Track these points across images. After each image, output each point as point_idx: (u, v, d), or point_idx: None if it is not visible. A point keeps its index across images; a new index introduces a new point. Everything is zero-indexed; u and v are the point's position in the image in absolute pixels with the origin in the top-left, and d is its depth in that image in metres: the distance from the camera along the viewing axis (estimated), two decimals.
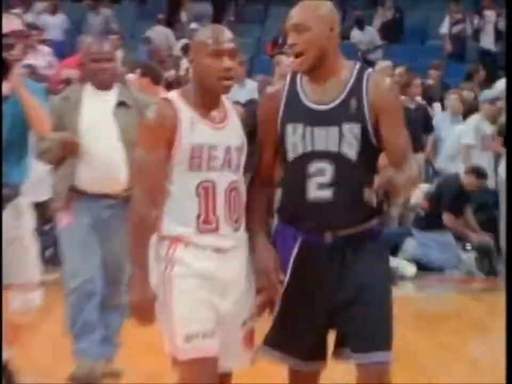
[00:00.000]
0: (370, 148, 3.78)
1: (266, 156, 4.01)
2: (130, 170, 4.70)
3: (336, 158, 3.74)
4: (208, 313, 3.85)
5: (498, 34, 21.86)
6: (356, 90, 3.80)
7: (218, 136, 3.90)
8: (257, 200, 4.02)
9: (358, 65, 3.90)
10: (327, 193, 3.75)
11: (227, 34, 3.94)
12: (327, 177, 3.74)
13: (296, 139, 3.80)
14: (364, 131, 3.74)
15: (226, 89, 3.91)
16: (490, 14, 22.26)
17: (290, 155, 3.82)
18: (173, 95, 3.97)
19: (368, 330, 3.74)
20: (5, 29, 6.12)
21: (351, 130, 3.73)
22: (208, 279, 3.80)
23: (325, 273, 3.76)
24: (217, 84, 3.81)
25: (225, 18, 23.16)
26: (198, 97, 3.89)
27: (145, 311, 3.84)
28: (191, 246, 3.84)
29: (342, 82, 3.83)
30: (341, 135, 3.72)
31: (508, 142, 11.61)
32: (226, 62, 3.81)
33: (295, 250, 3.80)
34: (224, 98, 4.02)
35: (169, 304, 3.84)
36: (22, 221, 6.12)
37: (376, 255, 3.89)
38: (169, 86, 14.10)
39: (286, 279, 3.82)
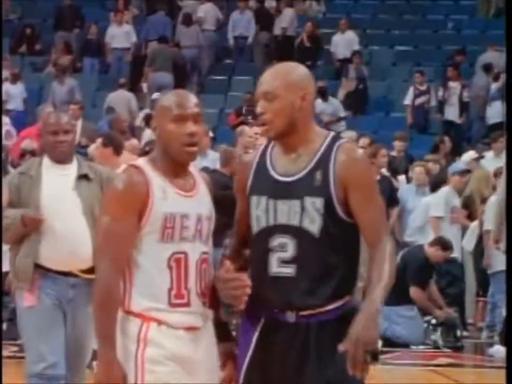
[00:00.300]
0: (337, 223, 3.61)
1: (240, 228, 3.94)
2: (95, 241, 4.45)
3: (298, 233, 3.60)
4: None
5: (462, 106, 22.75)
6: (324, 161, 3.65)
7: (189, 205, 3.80)
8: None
9: (330, 135, 3.76)
10: (288, 270, 3.61)
11: (191, 98, 3.84)
12: (289, 252, 3.61)
13: (260, 212, 3.70)
14: (328, 205, 3.59)
15: (191, 156, 3.79)
16: (455, 86, 22.83)
17: (255, 228, 3.72)
18: (141, 162, 3.85)
19: None
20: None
21: (313, 204, 3.59)
22: (180, 362, 3.67)
23: (285, 355, 3.61)
24: (181, 150, 3.70)
25: (187, 88, 22.15)
26: (166, 164, 3.78)
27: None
28: (164, 325, 3.69)
29: (311, 152, 3.70)
30: (302, 209, 3.60)
31: (508, 142, 11.37)
32: (190, 128, 3.70)
33: (258, 330, 3.65)
34: (191, 166, 3.94)
35: None
36: None
37: (342, 338, 3.54)
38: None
39: (247, 357, 3.67)
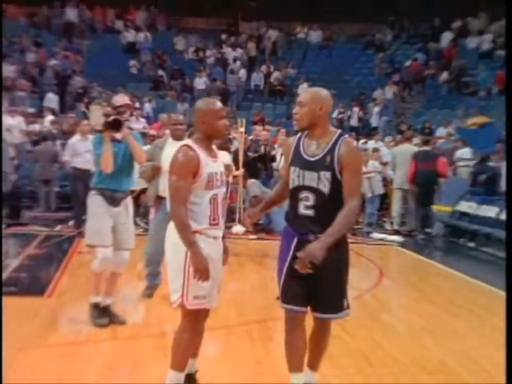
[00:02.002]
0: (338, 186, 5.21)
1: (283, 178, 5.75)
2: (169, 190, 5.38)
3: (316, 191, 5.29)
4: (209, 282, 5.40)
5: (359, 118, 28.32)
6: (332, 149, 5.23)
7: (217, 167, 5.52)
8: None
9: (338, 132, 5.34)
10: (309, 212, 5.34)
11: (221, 104, 5.63)
12: (310, 202, 5.33)
13: (295, 176, 5.38)
14: (333, 176, 5.21)
15: (224, 137, 6.18)
16: (356, 110, 28.33)
17: (291, 186, 5.43)
18: (190, 142, 5.45)
19: (324, 300, 5.44)
20: (121, 102, 8.38)
21: (325, 175, 5.22)
22: (210, 259, 5.34)
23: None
24: (221, 134, 5.65)
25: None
26: (204, 143, 5.46)
27: (205, 271, 5.25)
28: (204, 235, 5.40)
29: (325, 143, 5.29)
30: (318, 178, 5.25)
31: (508, 142, 11.56)
32: (226, 122, 5.54)
33: (294, 243, 5.43)
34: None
35: (188, 271, 5.36)
36: (129, 212, 8.08)
37: (341, 248, 5.38)
38: None
39: (288, 259, 5.44)
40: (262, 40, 34.84)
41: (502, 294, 9.89)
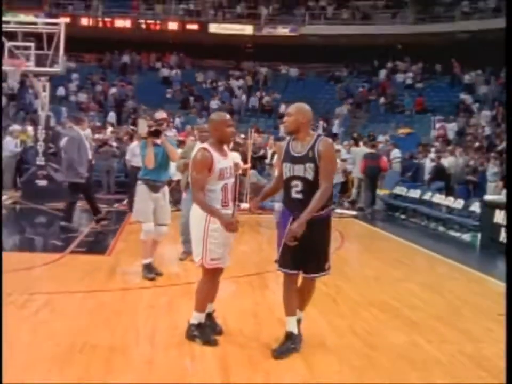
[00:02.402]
0: (318, 174, 4.94)
1: (279, 173, 5.31)
2: (191, 182, 5.26)
3: (303, 179, 4.99)
4: (222, 248, 5.23)
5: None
6: (313, 146, 4.96)
7: (227, 163, 5.22)
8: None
9: (316, 135, 5.07)
10: (299, 196, 5.03)
11: (229, 116, 5.33)
12: (299, 188, 5.02)
13: (286, 170, 5.10)
14: (315, 166, 4.92)
15: (230, 141, 5.56)
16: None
17: (285, 176, 5.13)
18: (206, 146, 5.17)
19: (310, 263, 5.16)
20: (160, 117, 8.31)
21: (309, 166, 4.94)
22: (222, 230, 5.11)
23: (304, 234, 4.90)
24: (229, 140, 5.40)
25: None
26: (217, 146, 5.20)
27: (231, 224, 5.04)
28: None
29: (308, 142, 5.01)
30: (304, 168, 4.96)
31: (507, 142, 10.41)
32: (232, 129, 5.29)
33: (290, 221, 5.06)
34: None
35: (206, 240, 5.16)
36: (166, 197, 7.89)
37: (324, 224, 5.13)
38: None
39: (285, 233, 5.01)
40: (257, 74, 34.18)
41: (424, 251, 11.01)
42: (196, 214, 5.19)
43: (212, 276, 5.36)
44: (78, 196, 11.45)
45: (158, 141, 7.59)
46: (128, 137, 17.50)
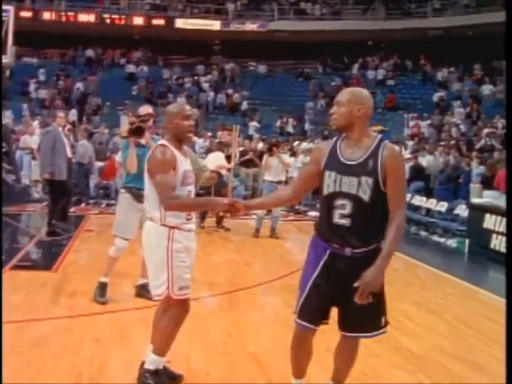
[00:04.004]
0: (380, 194, 3.56)
1: (301, 178, 4.04)
2: (158, 184, 4.15)
3: (354, 199, 3.59)
4: (189, 272, 4.31)
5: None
6: (374, 154, 3.59)
7: (188, 165, 4.34)
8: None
9: (379, 137, 3.68)
10: (346, 221, 3.62)
11: (188, 107, 4.42)
12: (347, 210, 3.62)
13: (330, 181, 3.66)
14: (375, 182, 3.55)
15: (190, 138, 4.34)
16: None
17: (325, 192, 3.69)
18: (165, 142, 4.22)
19: (358, 320, 3.76)
20: (144, 112, 6.98)
21: (366, 181, 3.56)
22: (187, 250, 4.27)
23: (344, 275, 3.64)
24: (187, 136, 4.29)
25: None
26: (174, 143, 4.23)
27: (225, 205, 4.01)
28: (181, 230, 4.22)
29: (366, 147, 3.63)
30: (359, 183, 3.57)
31: (508, 142, 9.62)
32: (190, 123, 4.27)
33: (325, 257, 3.72)
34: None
35: (171, 264, 4.19)
36: None
37: (372, 261, 3.61)
38: None
39: (315, 274, 3.74)
40: (224, 71, 33.34)
41: (410, 259, 9.91)
42: (154, 233, 4.23)
43: (181, 309, 4.34)
44: (60, 193, 10.53)
45: (143, 141, 6.56)
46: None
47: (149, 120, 6.78)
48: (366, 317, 3.73)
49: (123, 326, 5.83)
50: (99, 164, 16.38)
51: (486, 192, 13.17)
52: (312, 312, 3.78)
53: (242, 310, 6.61)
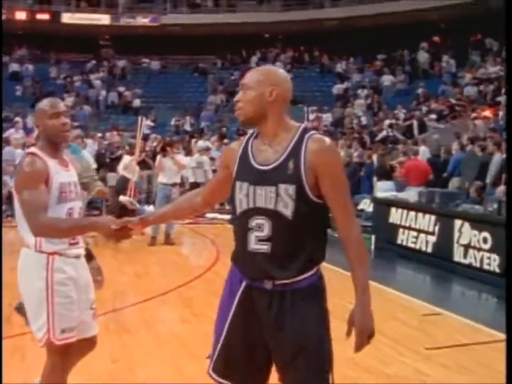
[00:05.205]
0: (309, 205, 2.74)
1: (209, 189, 3.23)
2: (25, 203, 3.39)
3: (273, 216, 2.76)
4: (77, 308, 3.56)
5: None
6: (295, 151, 2.76)
7: (69, 176, 3.61)
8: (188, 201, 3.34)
9: (301, 128, 2.83)
10: (264, 247, 2.80)
11: (60, 101, 3.70)
12: (265, 232, 2.79)
13: (242, 196, 2.83)
14: (300, 191, 2.72)
15: (65, 138, 3.64)
16: None
17: (238, 210, 2.87)
18: (36, 150, 3.53)
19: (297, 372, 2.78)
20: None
21: (286, 190, 2.73)
22: (73, 281, 3.54)
23: (264, 315, 2.82)
24: (61, 136, 3.57)
25: None
26: (50, 151, 3.53)
27: (122, 230, 3.28)
28: (63, 256, 3.52)
29: (284, 143, 2.79)
30: (277, 194, 2.74)
31: (508, 141, 8.98)
32: (61, 122, 3.54)
33: (240, 291, 2.90)
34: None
35: (51, 302, 3.46)
36: None
37: (311, 302, 2.83)
38: None
39: (230, 314, 2.92)
40: (115, 68, 32.92)
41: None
42: (29, 262, 3.53)
43: (65, 357, 3.57)
44: None
45: None
46: None
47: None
48: (302, 370, 2.80)
49: None
50: None
51: (380, 184, 13.23)
52: (233, 366, 2.92)
53: (131, 330, 6.12)
